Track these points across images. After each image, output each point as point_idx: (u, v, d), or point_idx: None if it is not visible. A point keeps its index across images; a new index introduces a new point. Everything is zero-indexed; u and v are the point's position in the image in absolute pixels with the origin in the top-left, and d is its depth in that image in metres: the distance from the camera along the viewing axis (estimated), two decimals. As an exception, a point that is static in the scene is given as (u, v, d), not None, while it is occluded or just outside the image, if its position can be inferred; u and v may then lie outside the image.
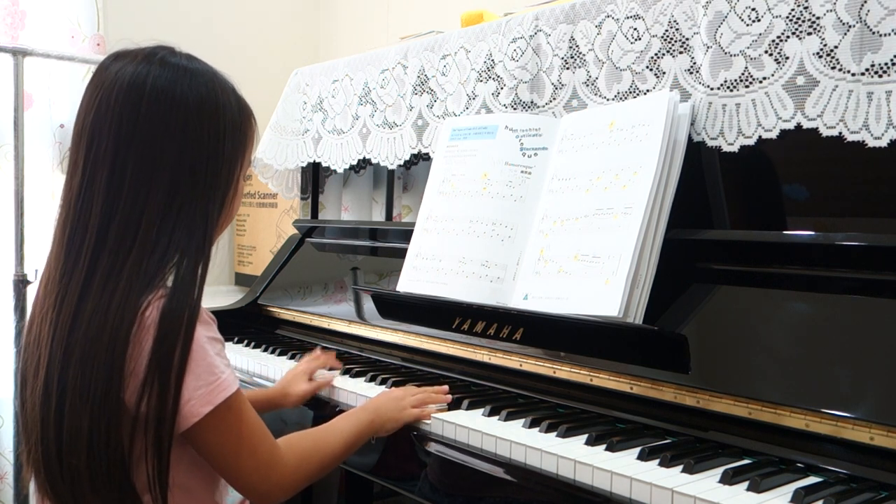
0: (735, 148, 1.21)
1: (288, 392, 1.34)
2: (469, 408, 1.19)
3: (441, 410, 1.19)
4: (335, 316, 1.72)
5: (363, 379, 1.40)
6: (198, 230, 0.95)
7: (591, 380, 1.18)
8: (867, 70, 1.06)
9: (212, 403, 0.91)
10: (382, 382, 1.36)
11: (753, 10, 1.17)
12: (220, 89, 0.99)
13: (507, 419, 1.13)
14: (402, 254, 1.56)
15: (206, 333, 0.93)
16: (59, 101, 2.28)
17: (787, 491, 0.87)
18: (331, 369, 1.43)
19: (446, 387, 1.24)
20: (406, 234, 1.60)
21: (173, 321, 0.89)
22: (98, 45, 2.32)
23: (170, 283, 0.92)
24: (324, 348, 1.52)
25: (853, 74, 1.07)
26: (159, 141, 0.93)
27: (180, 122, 0.94)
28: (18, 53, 2.02)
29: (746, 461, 0.97)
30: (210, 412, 0.91)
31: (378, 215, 2.22)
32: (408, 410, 1.17)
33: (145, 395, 0.88)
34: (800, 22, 1.12)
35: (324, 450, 1.07)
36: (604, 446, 1.01)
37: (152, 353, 0.88)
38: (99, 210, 0.92)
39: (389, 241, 1.83)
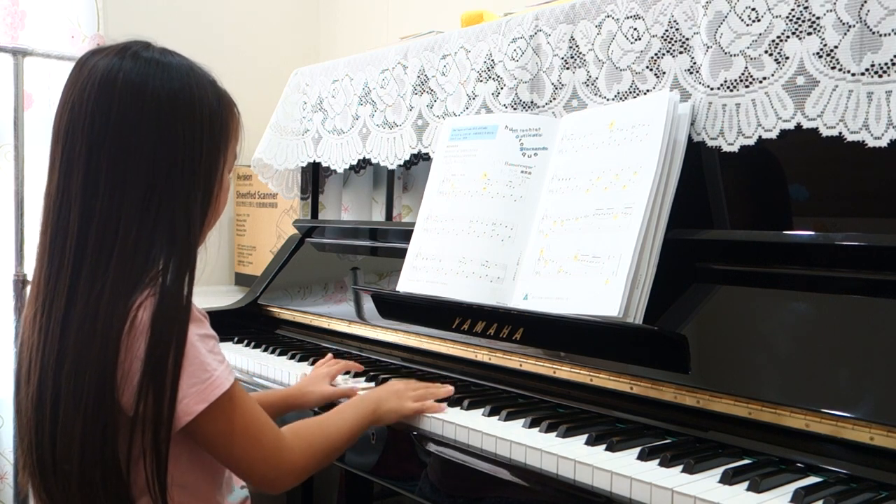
0: (735, 148, 1.21)
1: (307, 392, 1.31)
2: (469, 408, 1.19)
3: (438, 410, 1.18)
4: (335, 316, 1.72)
5: (363, 379, 1.40)
6: (181, 229, 0.93)
7: (591, 380, 1.18)
8: (867, 70, 1.06)
9: (206, 401, 0.91)
10: (382, 382, 1.36)
11: (753, 10, 1.17)
12: (196, 83, 0.96)
13: (507, 419, 1.13)
14: (402, 254, 1.56)
15: (196, 331, 0.93)
16: (58, 101, 2.28)
17: (787, 491, 0.87)
18: (355, 375, 1.42)
19: (451, 388, 1.24)
20: (406, 234, 1.60)
21: (165, 325, 0.89)
22: (98, 45, 2.31)
23: (154, 280, 0.91)
24: (324, 349, 1.52)
25: (853, 74, 1.07)
26: (132, 138, 0.92)
27: (153, 117, 0.92)
28: (18, 53, 2.02)
29: (746, 461, 0.97)
30: (205, 409, 0.91)
31: (378, 215, 2.21)
32: (409, 403, 1.18)
33: (142, 399, 0.88)
34: (800, 22, 1.12)
35: (329, 437, 1.07)
36: (604, 446, 1.01)
37: (146, 359, 0.88)
38: (77, 212, 0.91)
39: (389, 241, 1.83)
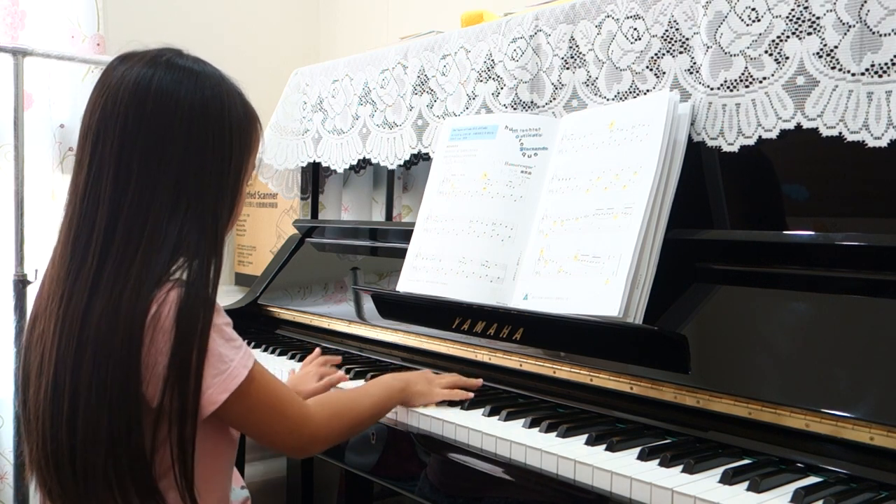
0: (735, 148, 1.21)
1: (297, 391, 1.32)
2: (469, 408, 1.19)
3: (466, 397, 1.22)
4: (335, 316, 1.72)
5: (363, 379, 1.40)
6: (209, 230, 0.96)
7: (591, 380, 1.18)
8: (867, 70, 1.06)
9: (227, 391, 0.93)
10: (382, 382, 1.36)
11: (753, 10, 1.17)
12: (226, 93, 1.00)
13: (507, 419, 1.13)
14: (402, 254, 1.56)
15: (213, 321, 0.94)
16: (59, 101, 2.28)
17: (787, 491, 0.87)
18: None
19: (480, 380, 1.27)
20: (406, 234, 1.60)
21: (190, 321, 0.91)
22: (98, 45, 2.32)
23: (176, 276, 0.93)
24: (324, 349, 1.53)
25: (853, 74, 1.07)
26: (164, 142, 0.94)
27: (185, 123, 0.95)
28: (18, 53, 2.02)
29: (746, 461, 0.97)
30: (228, 397, 0.93)
31: (378, 215, 2.22)
32: (437, 390, 1.22)
33: (167, 393, 0.90)
34: (800, 22, 1.12)
35: (354, 409, 1.12)
36: (604, 446, 1.01)
37: (172, 354, 0.90)
38: (106, 209, 0.93)
39: (389, 241, 1.83)
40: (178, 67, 0.97)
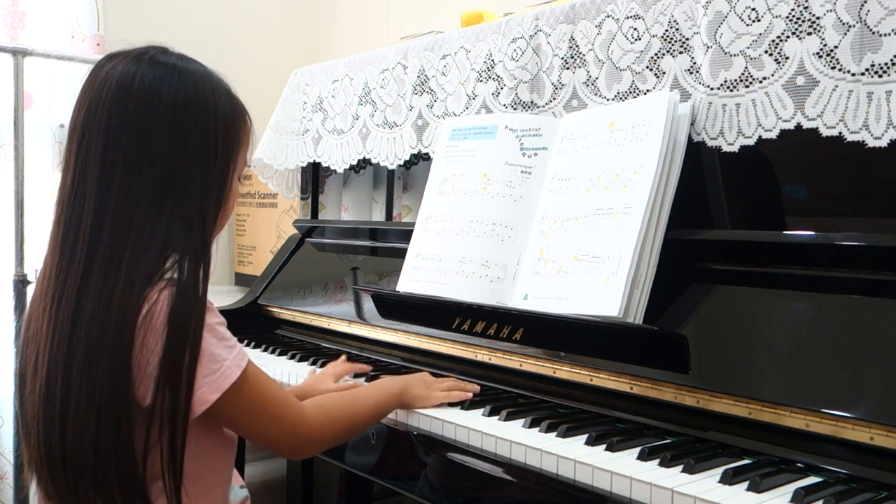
0: (735, 148, 1.21)
1: (314, 390, 1.33)
2: (469, 408, 1.19)
3: (465, 398, 1.22)
4: (335, 316, 1.72)
5: (363, 379, 1.40)
6: (195, 228, 0.95)
7: (591, 380, 1.18)
8: (867, 70, 1.06)
9: (219, 390, 0.93)
10: (382, 382, 1.36)
11: (753, 10, 1.17)
12: (211, 88, 0.99)
13: (507, 419, 1.13)
14: (402, 254, 1.56)
15: (206, 321, 0.94)
16: (59, 101, 2.28)
17: (787, 491, 0.87)
18: (356, 375, 1.43)
19: (478, 387, 1.26)
20: (406, 234, 1.60)
21: (182, 321, 0.90)
22: (98, 45, 2.32)
23: (168, 276, 0.93)
24: (324, 349, 1.53)
25: (853, 74, 1.07)
26: (148, 139, 0.94)
27: (168, 120, 0.94)
28: (18, 53, 2.02)
29: (746, 461, 0.97)
30: (220, 396, 0.93)
31: (378, 215, 2.22)
32: (436, 393, 1.22)
33: (159, 393, 0.90)
34: (800, 22, 1.12)
35: (351, 412, 1.11)
36: (604, 446, 1.01)
37: (164, 354, 0.89)
38: (91, 207, 0.92)
39: (389, 241, 1.83)
40: (160, 64, 0.97)
